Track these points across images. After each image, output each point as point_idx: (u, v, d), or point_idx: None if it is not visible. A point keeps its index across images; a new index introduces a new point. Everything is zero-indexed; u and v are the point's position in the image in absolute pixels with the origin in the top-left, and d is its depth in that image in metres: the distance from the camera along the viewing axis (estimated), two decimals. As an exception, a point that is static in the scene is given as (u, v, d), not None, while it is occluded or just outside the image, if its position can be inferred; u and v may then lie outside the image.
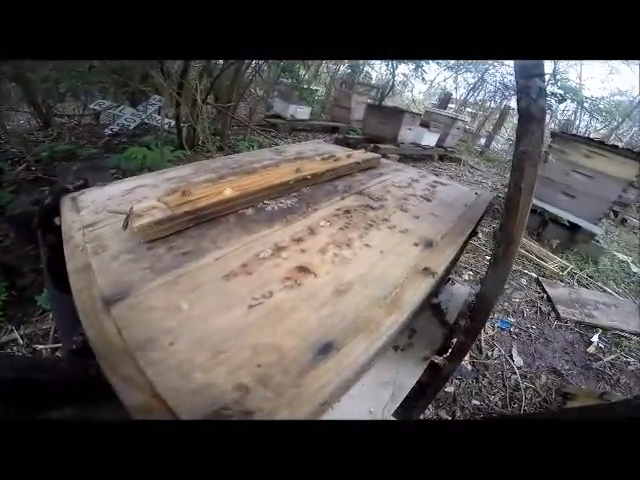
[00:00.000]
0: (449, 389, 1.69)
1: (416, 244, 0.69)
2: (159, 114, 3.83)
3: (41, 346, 1.58)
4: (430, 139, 5.86)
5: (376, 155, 1.23)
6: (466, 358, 1.84)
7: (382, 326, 0.47)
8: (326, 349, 0.43)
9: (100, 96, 3.92)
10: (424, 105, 10.85)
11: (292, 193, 0.84)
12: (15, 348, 1.53)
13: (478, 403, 1.66)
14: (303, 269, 0.56)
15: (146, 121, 3.85)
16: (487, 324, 2.20)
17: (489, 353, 1.95)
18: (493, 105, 10.10)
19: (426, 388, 1.03)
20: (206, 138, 3.16)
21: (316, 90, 6.48)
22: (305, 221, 0.71)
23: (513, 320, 2.30)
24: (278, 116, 5.65)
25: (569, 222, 3.39)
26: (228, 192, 0.72)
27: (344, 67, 8.77)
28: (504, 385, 1.79)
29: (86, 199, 0.85)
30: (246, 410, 0.35)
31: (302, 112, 5.70)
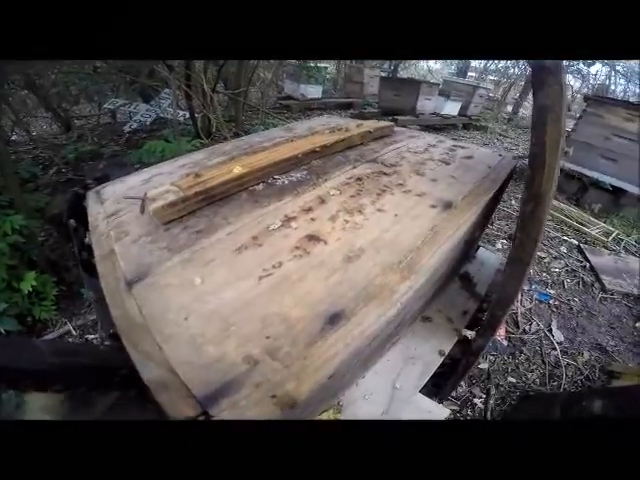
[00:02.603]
0: (483, 365, 1.60)
1: (433, 206, 0.65)
2: (172, 106, 3.88)
3: (92, 336, 1.68)
4: (451, 108, 5.62)
5: (389, 123, 1.17)
6: (501, 333, 1.73)
7: (396, 293, 0.45)
8: (335, 318, 0.42)
9: (112, 95, 4.01)
10: (442, 75, 10.20)
11: (302, 166, 0.82)
12: (70, 339, 1.64)
13: (514, 380, 1.56)
14: (313, 237, 0.55)
15: (161, 115, 3.92)
16: (524, 296, 2.07)
17: (526, 327, 1.83)
18: (517, 72, 9.32)
19: (457, 364, 1.00)
20: (220, 126, 3.17)
21: (325, 67, 6.27)
22: (315, 191, 0.70)
23: (553, 292, 2.13)
24: (290, 97, 5.53)
25: (611, 186, 3.19)
26: (237, 170, 0.71)
27: None
28: (543, 362, 1.67)
29: (108, 191, 0.88)
30: (255, 382, 0.35)
31: (313, 91, 5.55)
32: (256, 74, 4.56)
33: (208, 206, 0.66)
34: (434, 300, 0.96)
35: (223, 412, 0.34)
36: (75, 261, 1.98)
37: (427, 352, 0.88)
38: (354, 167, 0.83)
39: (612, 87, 8.34)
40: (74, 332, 1.68)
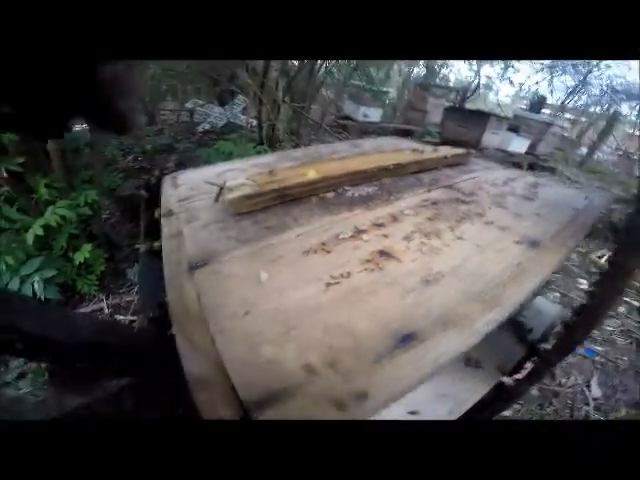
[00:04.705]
0: (506, 412, 1.51)
1: (518, 242, 0.59)
2: (243, 114, 4.16)
3: (121, 317, 1.75)
4: (519, 145, 5.27)
5: (465, 151, 1.12)
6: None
7: (477, 322, 0.40)
8: (407, 340, 0.38)
9: (194, 95, 4.40)
10: (512, 109, 9.84)
11: (373, 182, 0.80)
12: (100, 317, 1.72)
13: (536, 431, 1.47)
14: (385, 253, 0.52)
15: (232, 120, 4.21)
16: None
17: (563, 380, 1.73)
18: (598, 111, 8.62)
19: (485, 408, 0.92)
20: (284, 137, 3.31)
21: (387, 92, 6.28)
22: (387, 208, 0.67)
23: (601, 349, 2.00)
24: (348, 117, 5.57)
25: None
26: (311, 174, 0.72)
27: (418, 69, 8.36)
28: (571, 416, 1.57)
29: (183, 178, 0.94)
30: (310, 393, 0.32)
31: (373, 114, 5.56)
32: (320, 91, 4.71)
33: (280, 205, 0.66)
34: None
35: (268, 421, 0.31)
36: (129, 242, 2.15)
37: (460, 392, 0.81)
38: (429, 190, 0.79)
39: None
40: (106, 310, 1.77)
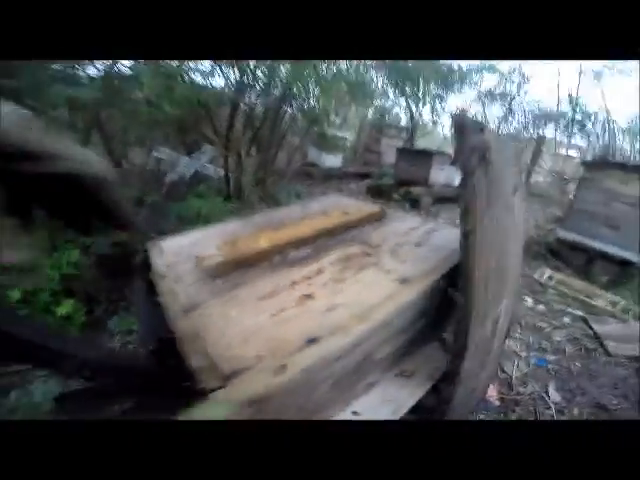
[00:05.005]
0: None
1: (395, 280, 0.94)
2: (211, 163, 4.39)
3: None
4: None
5: (380, 208, 1.51)
6: (492, 393, 1.85)
7: (353, 330, 0.75)
8: (312, 341, 0.72)
9: (163, 144, 4.55)
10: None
11: (310, 244, 1.15)
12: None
13: (501, 438, 1.63)
14: (308, 296, 0.87)
15: (199, 169, 4.43)
16: (520, 361, 2.17)
17: (521, 389, 1.91)
18: (527, 136, 9.75)
19: (432, 412, 1.19)
20: (250, 190, 3.65)
21: (345, 138, 6.71)
22: (316, 265, 1.02)
23: (553, 358, 2.22)
24: (313, 164, 6.03)
25: (615, 256, 3.15)
26: (263, 242, 1.04)
27: (372, 110, 8.95)
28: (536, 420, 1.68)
29: (166, 245, 1.22)
30: (259, 368, 0.63)
31: (334, 160, 6.04)
32: (285, 139, 5.07)
33: (242, 267, 0.98)
34: (409, 355, 1.17)
35: (238, 383, 0.60)
36: (106, 296, 2.29)
37: (401, 397, 1.07)
38: (349, 246, 1.15)
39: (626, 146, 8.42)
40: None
